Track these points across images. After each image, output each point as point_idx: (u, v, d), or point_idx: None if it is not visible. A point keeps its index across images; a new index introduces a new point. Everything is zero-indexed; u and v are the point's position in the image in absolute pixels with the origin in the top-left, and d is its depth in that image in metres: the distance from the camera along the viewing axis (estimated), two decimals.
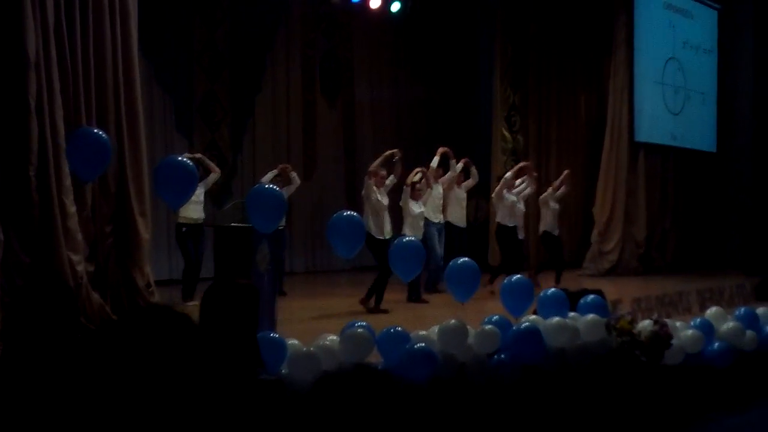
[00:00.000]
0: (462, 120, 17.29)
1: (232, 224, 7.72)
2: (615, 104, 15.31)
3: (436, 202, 11.48)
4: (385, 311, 9.61)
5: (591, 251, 15.01)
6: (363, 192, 10.28)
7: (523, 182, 12.06)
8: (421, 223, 10.85)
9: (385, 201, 10.16)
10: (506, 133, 14.85)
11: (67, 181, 7.40)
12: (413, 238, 8.17)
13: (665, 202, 16.28)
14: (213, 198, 12.98)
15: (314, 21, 14.84)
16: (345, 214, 7.13)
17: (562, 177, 12.61)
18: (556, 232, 12.28)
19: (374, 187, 10.09)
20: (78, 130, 7.11)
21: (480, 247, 13.46)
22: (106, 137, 6.67)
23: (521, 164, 12.62)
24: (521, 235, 11.95)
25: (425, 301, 10.51)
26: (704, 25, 17.36)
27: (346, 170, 15.44)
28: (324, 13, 14.93)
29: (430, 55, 16.68)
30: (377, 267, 9.92)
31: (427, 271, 10.72)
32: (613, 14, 15.41)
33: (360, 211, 9.40)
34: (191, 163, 6.79)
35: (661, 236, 16.11)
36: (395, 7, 14.84)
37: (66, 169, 7.26)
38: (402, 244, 7.41)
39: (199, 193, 9.86)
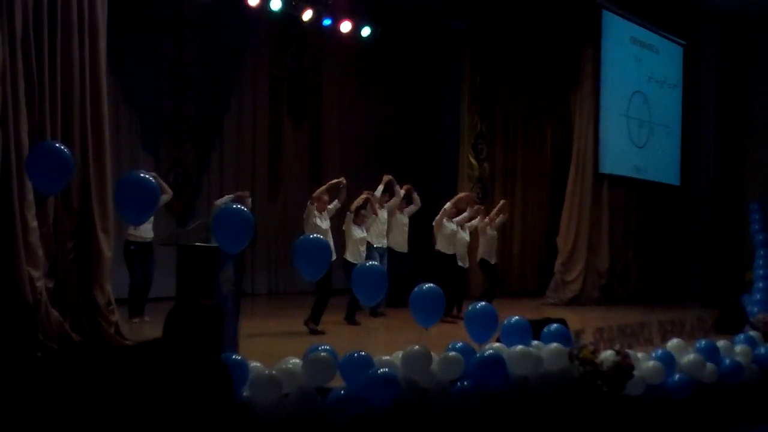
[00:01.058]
0: (429, 146, 17.36)
1: (197, 244, 7.65)
2: (580, 135, 15.46)
3: (380, 227, 11.77)
4: (322, 332, 9.70)
5: (554, 280, 15.08)
6: (304, 215, 10.47)
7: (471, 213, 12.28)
8: (363, 248, 11.07)
9: (326, 225, 10.35)
10: (473, 161, 14.93)
11: (30, 196, 7.28)
12: (375, 263, 8.15)
13: (628, 234, 16.44)
14: (177, 217, 12.90)
15: (284, 42, 14.84)
16: (311, 237, 7.10)
17: (499, 206, 12.76)
18: (493, 261, 12.41)
19: (315, 212, 10.34)
20: (39, 144, 7.02)
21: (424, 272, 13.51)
22: (67, 152, 6.58)
23: (460, 195, 12.75)
24: (464, 264, 12.03)
25: (358, 323, 10.70)
26: (669, 60, 17.64)
27: (310, 192, 15.32)
28: (294, 35, 14.94)
29: (399, 80, 16.74)
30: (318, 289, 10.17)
31: None
32: (580, 47, 15.59)
33: None
34: (153, 180, 6.70)
35: (624, 267, 16.25)
36: (365, 31, 14.91)
37: (29, 183, 7.15)
38: (365, 268, 7.36)
39: None
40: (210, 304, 3.28)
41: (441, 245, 11.79)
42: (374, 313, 11.35)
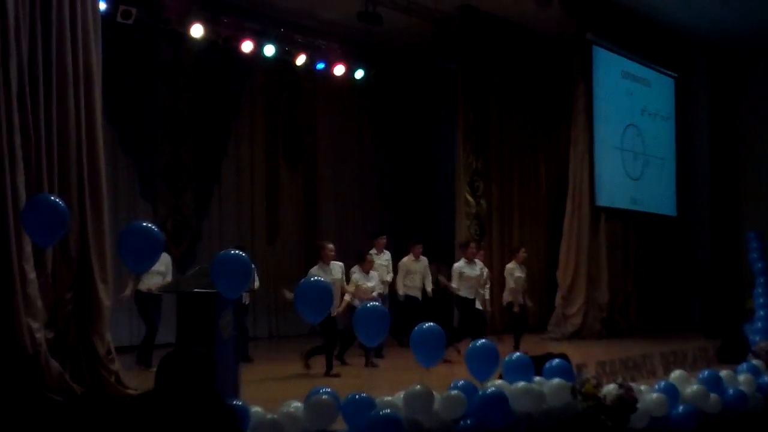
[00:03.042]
0: (426, 184, 17.44)
1: (196, 290, 7.64)
2: (576, 170, 15.52)
3: (380, 270, 11.80)
4: (337, 375, 9.76)
5: (555, 315, 15.06)
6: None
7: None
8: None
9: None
10: (470, 198, 14.97)
11: (28, 248, 7.30)
12: (377, 304, 8.13)
13: (627, 266, 16.44)
14: (177, 263, 12.90)
15: (278, 87, 14.97)
16: (312, 279, 7.10)
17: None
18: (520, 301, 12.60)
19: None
20: (34, 197, 7.06)
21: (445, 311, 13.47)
22: (62, 204, 6.63)
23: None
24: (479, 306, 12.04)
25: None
26: (661, 93, 17.78)
27: (306, 235, 15.43)
28: (288, 80, 15.07)
29: (393, 121, 16.87)
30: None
31: None
32: (572, 82, 15.72)
33: None
34: (156, 229, 6.76)
35: (624, 300, 16.22)
36: (359, 74, 15.06)
37: (27, 235, 7.17)
38: (367, 310, 7.33)
39: (161, 263, 10.04)
40: (202, 351, 3.30)
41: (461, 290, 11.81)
42: (377, 355, 11.28)
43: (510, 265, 12.85)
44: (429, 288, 12.21)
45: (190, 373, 3.09)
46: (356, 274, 10.93)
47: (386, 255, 12.10)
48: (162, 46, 13.08)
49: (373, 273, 11.14)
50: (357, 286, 10.79)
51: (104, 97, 8.46)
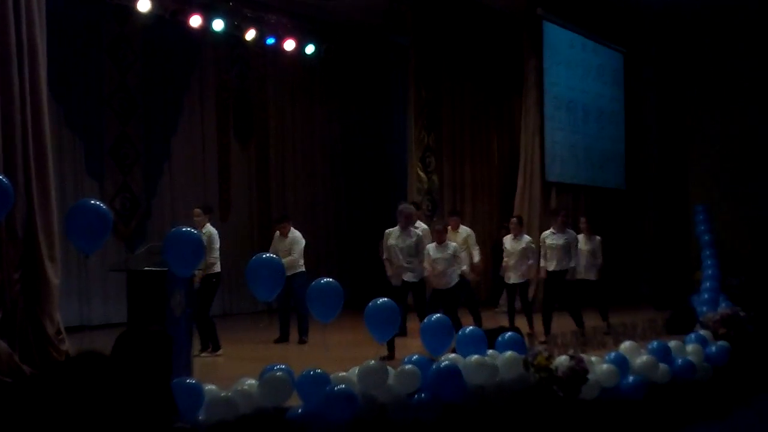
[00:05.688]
0: (378, 160, 17.41)
1: (146, 268, 7.56)
2: (527, 145, 15.62)
3: None
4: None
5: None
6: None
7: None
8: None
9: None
10: (421, 174, 14.98)
11: None
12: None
13: None
14: (126, 242, 12.76)
15: (228, 63, 14.78)
16: (264, 256, 7.02)
17: None
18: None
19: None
20: None
21: None
22: (6, 181, 6.48)
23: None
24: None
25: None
26: (611, 68, 17.94)
27: (259, 211, 15.33)
28: (237, 55, 14.89)
29: (345, 96, 16.79)
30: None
31: None
32: (523, 57, 15.77)
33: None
34: (104, 206, 6.61)
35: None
36: (309, 49, 14.94)
37: None
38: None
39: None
40: (158, 329, 3.26)
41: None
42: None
43: (548, 233, 11.71)
44: None
45: (147, 351, 3.06)
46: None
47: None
48: (108, 21, 12.82)
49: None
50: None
51: (49, 74, 8.29)
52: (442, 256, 9.88)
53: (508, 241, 11.54)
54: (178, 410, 3.22)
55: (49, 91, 8.42)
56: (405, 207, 10.26)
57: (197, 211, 9.95)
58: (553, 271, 11.12)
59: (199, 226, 9.54)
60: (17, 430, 1.78)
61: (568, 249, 11.15)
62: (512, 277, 11.39)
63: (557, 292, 11.23)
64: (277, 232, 11.22)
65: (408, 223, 9.93)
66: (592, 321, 11.51)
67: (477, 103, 16.27)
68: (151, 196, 13.47)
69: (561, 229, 11.23)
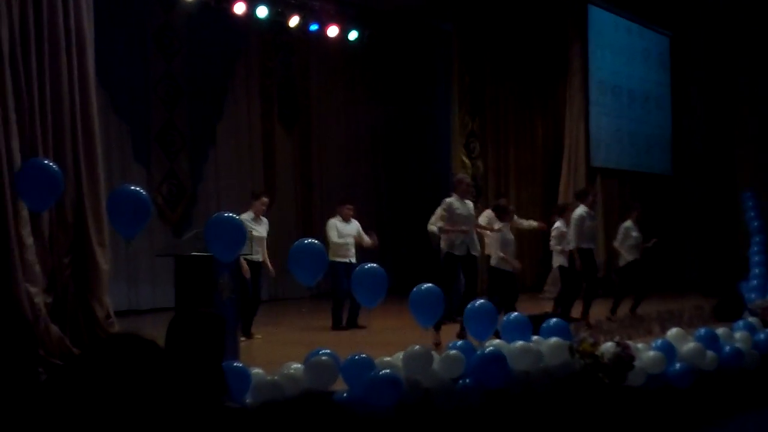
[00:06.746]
0: (421, 146, 17.37)
1: (193, 253, 7.65)
2: (571, 130, 15.49)
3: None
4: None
5: (552, 275, 15.07)
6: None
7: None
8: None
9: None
10: (465, 160, 14.93)
11: (24, 213, 7.28)
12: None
13: None
14: (173, 227, 12.91)
15: (272, 50, 14.84)
16: (306, 241, 7.06)
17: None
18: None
19: None
20: (27, 161, 7.02)
21: None
22: (56, 168, 6.59)
23: None
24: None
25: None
26: (657, 52, 17.70)
27: (302, 197, 15.41)
28: (281, 42, 14.95)
29: (388, 83, 16.76)
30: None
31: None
32: (567, 42, 15.63)
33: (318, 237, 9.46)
34: (144, 192, 6.70)
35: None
36: (353, 35, 14.95)
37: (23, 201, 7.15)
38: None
39: (264, 228, 10.15)
40: (211, 312, 3.29)
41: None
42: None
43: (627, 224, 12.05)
44: None
45: (201, 333, 3.09)
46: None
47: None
48: (154, 8, 12.94)
49: None
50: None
51: (96, 62, 8.39)
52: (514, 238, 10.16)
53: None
54: (229, 391, 3.26)
55: (97, 78, 8.53)
56: (464, 176, 10.39)
57: (265, 200, 10.31)
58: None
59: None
60: (66, 410, 1.82)
61: None
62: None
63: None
64: (338, 216, 11.22)
65: (468, 192, 9.99)
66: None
67: (521, 88, 16.15)
68: (197, 182, 13.60)
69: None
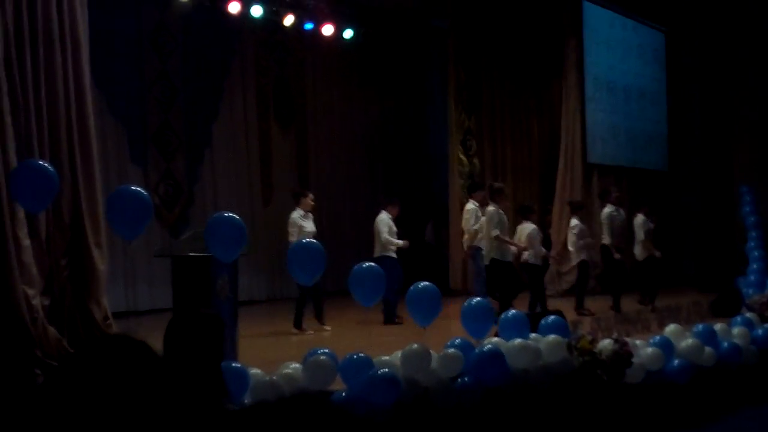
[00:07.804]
0: (418, 144, 17.37)
1: (190, 254, 7.63)
2: (568, 127, 15.49)
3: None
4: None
5: (549, 272, 15.07)
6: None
7: None
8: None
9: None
10: (462, 157, 14.93)
11: (21, 214, 7.26)
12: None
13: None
14: (170, 228, 12.89)
15: (267, 49, 14.82)
16: (304, 241, 7.07)
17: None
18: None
19: None
20: (22, 163, 7.00)
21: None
22: (51, 168, 6.57)
23: None
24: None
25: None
26: (652, 48, 17.70)
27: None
28: (276, 41, 14.93)
29: (384, 80, 16.75)
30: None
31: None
32: (562, 38, 15.63)
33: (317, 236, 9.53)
34: (145, 193, 6.69)
35: None
36: (348, 34, 14.94)
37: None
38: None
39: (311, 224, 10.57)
40: (210, 313, 3.28)
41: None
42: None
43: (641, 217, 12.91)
44: None
45: (200, 334, 3.08)
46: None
47: None
48: (149, 9, 12.92)
49: None
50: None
51: (92, 62, 8.37)
52: None
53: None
54: (228, 392, 3.25)
55: (92, 79, 8.51)
56: (502, 184, 11.25)
57: (312, 196, 10.90)
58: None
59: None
60: (56, 412, 1.81)
61: None
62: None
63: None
64: (388, 214, 11.53)
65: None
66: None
67: (517, 85, 16.16)
68: (193, 182, 13.58)
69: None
